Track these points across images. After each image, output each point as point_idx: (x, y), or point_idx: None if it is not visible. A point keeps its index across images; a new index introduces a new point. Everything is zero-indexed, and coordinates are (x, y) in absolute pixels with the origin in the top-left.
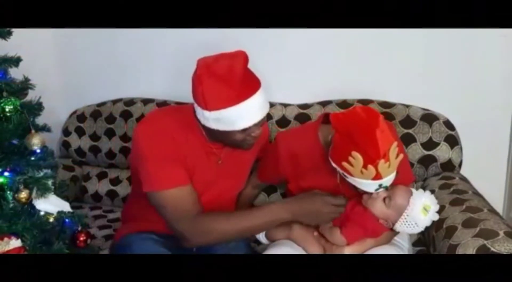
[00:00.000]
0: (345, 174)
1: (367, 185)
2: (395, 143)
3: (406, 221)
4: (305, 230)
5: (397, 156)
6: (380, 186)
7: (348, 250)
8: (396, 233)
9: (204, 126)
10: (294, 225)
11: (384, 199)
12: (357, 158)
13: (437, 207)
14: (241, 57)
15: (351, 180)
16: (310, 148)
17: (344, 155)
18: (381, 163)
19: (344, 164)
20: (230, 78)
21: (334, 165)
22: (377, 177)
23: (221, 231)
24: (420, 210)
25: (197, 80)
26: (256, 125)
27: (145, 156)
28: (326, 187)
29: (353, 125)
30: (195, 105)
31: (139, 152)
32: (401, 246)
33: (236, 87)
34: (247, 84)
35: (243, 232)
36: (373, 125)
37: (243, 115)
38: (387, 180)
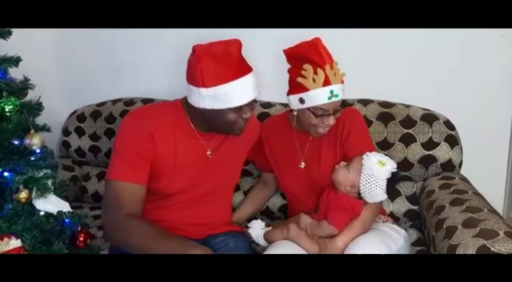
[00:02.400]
0: (302, 98)
1: (320, 94)
2: (337, 63)
3: (366, 175)
4: (301, 230)
5: (340, 73)
6: (332, 93)
7: (340, 239)
8: (376, 206)
9: (194, 115)
10: (291, 226)
11: (345, 167)
12: (308, 68)
13: (394, 164)
14: (236, 43)
15: (306, 98)
16: (282, 126)
17: (298, 72)
18: (328, 68)
19: (299, 79)
20: (227, 59)
21: (291, 99)
22: (327, 82)
23: (135, 239)
24: (375, 163)
25: (195, 59)
26: (248, 106)
27: (117, 147)
28: (294, 161)
29: (300, 48)
30: (190, 87)
31: (115, 141)
32: (395, 239)
33: (232, 67)
34: (242, 65)
35: (150, 251)
36: (315, 43)
37: (238, 92)
38: (337, 88)
